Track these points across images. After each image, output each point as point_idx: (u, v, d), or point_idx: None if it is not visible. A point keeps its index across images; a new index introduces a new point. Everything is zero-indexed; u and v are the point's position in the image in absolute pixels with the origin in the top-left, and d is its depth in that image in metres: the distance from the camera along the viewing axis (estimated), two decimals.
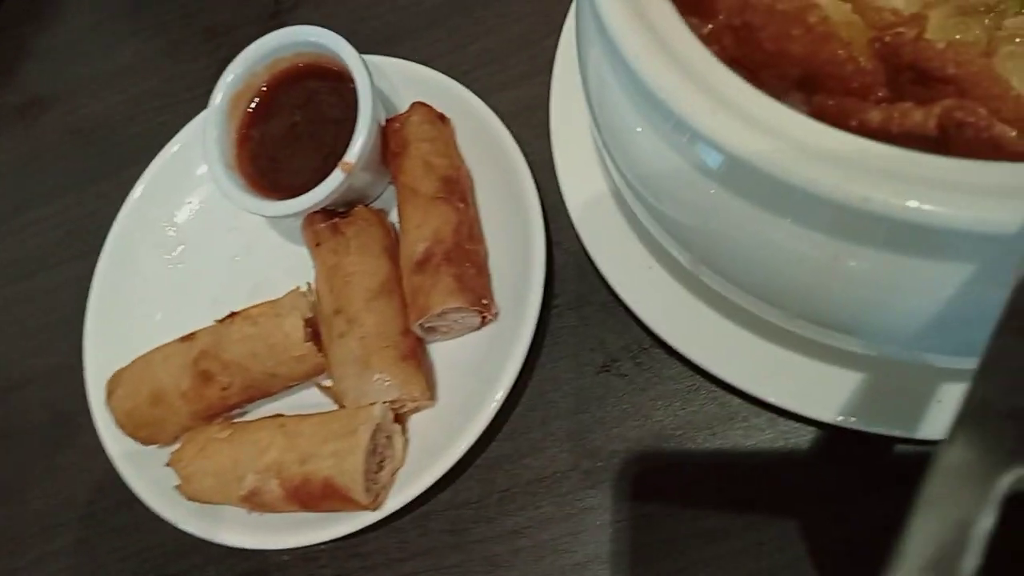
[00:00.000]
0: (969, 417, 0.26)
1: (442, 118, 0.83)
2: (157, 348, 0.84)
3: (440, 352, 0.82)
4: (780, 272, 0.53)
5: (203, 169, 0.93)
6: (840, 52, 0.48)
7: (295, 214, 0.81)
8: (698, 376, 0.76)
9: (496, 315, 0.79)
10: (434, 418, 0.79)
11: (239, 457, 0.75)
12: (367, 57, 0.91)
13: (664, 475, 0.74)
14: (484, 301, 0.76)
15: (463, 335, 0.81)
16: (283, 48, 0.84)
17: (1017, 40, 0.52)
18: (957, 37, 0.54)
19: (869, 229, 0.45)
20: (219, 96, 0.84)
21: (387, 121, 0.83)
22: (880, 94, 0.49)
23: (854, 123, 0.47)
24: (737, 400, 0.74)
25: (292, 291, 0.83)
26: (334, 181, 0.78)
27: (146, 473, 0.83)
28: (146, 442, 0.83)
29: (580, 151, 0.80)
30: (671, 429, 0.75)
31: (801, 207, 0.47)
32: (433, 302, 0.74)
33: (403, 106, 0.88)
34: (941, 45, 0.44)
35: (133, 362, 0.84)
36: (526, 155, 0.87)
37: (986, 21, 0.53)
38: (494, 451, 0.79)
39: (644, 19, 0.51)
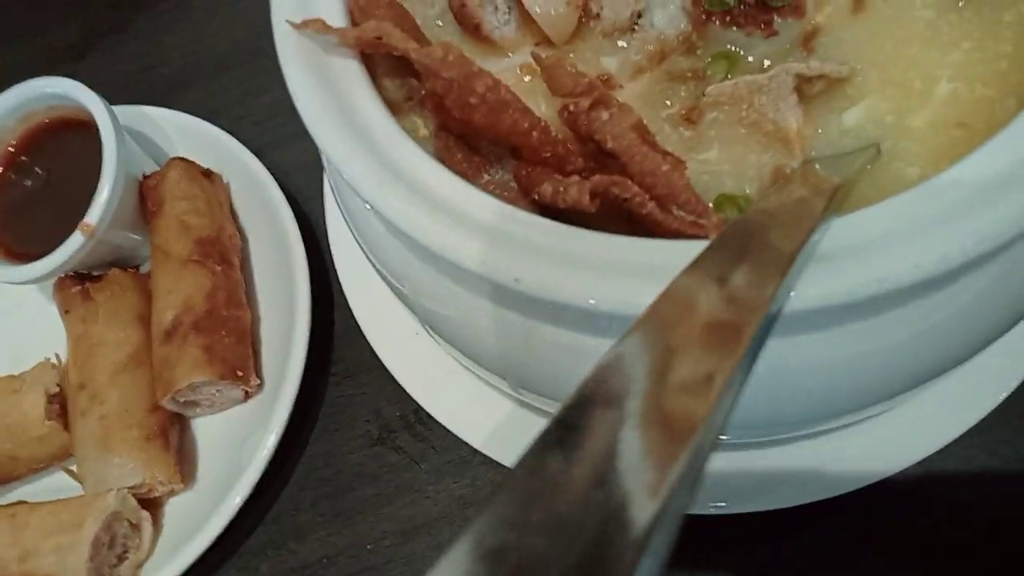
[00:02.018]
0: (451, 557, 0.22)
1: (207, 174, 0.78)
2: None
3: (204, 428, 0.76)
4: (490, 345, 0.50)
5: None
6: (522, 122, 0.46)
7: (35, 280, 0.74)
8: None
9: (260, 387, 0.73)
10: (193, 502, 0.72)
11: None
12: (142, 108, 0.86)
13: (434, 559, 0.69)
14: (239, 373, 0.70)
15: (229, 408, 0.75)
16: (29, 103, 0.78)
17: (722, 107, 0.51)
18: (667, 103, 0.53)
19: (539, 308, 0.43)
20: None
21: (144, 178, 0.77)
22: (577, 164, 0.47)
23: (535, 195, 0.45)
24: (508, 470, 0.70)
25: (39, 363, 0.76)
26: (73, 244, 0.71)
27: None
28: None
29: None
30: (443, 505, 0.71)
31: (475, 284, 0.44)
32: (178, 376, 0.68)
33: None
34: (605, 116, 0.42)
35: None
36: (306, 214, 0.83)
37: (692, 87, 0.52)
38: (259, 536, 0.73)
39: (329, 85, 0.48)
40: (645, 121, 0.50)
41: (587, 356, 0.44)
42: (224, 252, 0.74)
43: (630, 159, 0.40)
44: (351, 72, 0.49)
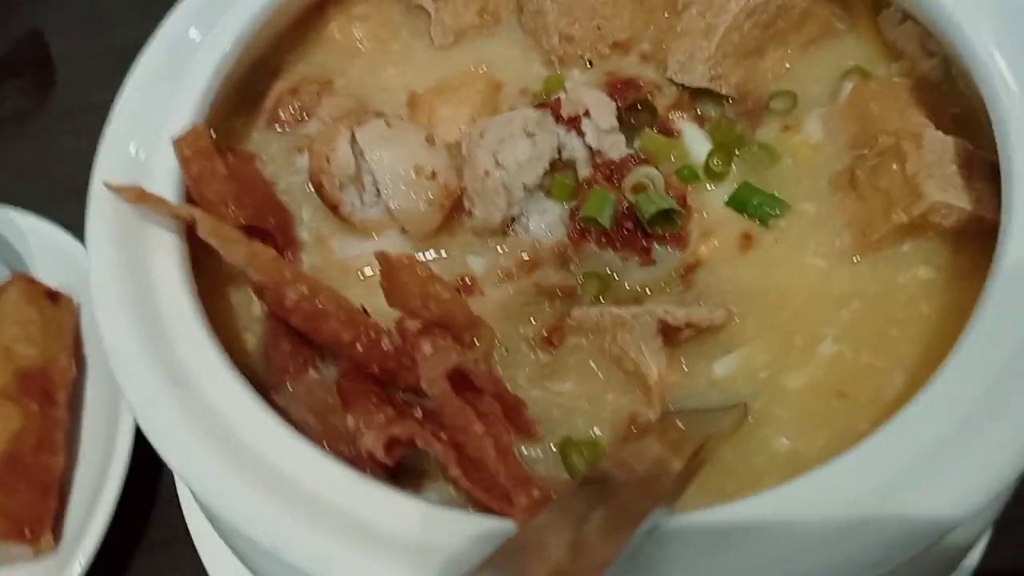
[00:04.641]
0: None
1: (52, 295, 0.70)
2: None
3: None
4: None
5: None
6: (343, 333, 0.39)
7: None
8: None
9: (56, 545, 0.63)
10: None
11: None
12: (6, 211, 0.78)
13: None
14: (29, 532, 0.60)
15: (16, 563, 0.64)
16: None
17: (586, 334, 0.45)
18: (531, 319, 0.46)
19: None
20: None
21: None
22: (412, 380, 0.41)
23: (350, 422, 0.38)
24: None
25: None
26: None
27: None
28: None
29: None
30: None
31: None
32: None
33: (38, 272, 0.75)
34: (428, 350, 0.36)
35: None
36: None
37: (559, 305, 0.47)
38: None
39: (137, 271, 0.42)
40: (503, 336, 0.45)
41: None
42: (48, 388, 0.66)
43: (442, 410, 0.34)
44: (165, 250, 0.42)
